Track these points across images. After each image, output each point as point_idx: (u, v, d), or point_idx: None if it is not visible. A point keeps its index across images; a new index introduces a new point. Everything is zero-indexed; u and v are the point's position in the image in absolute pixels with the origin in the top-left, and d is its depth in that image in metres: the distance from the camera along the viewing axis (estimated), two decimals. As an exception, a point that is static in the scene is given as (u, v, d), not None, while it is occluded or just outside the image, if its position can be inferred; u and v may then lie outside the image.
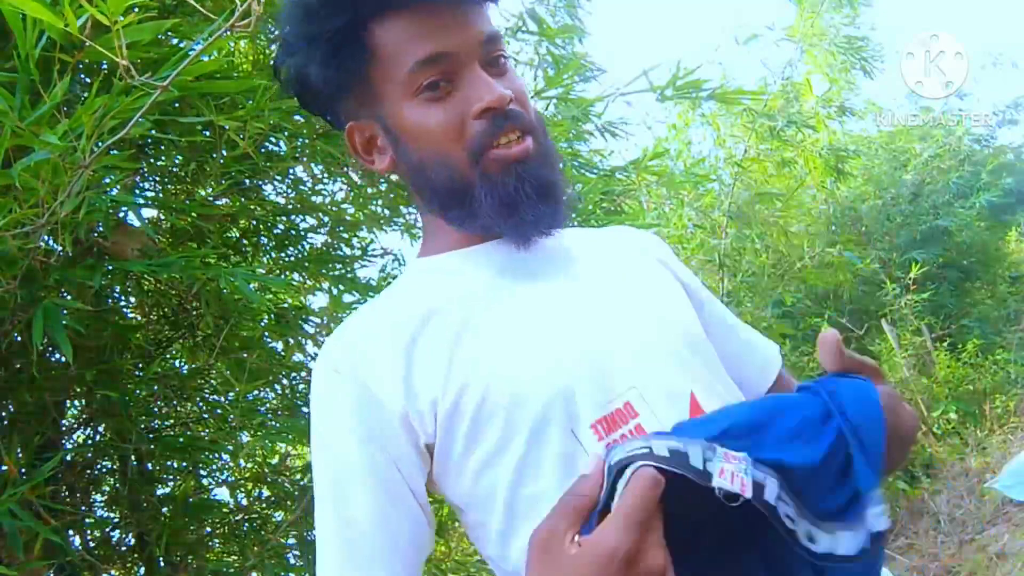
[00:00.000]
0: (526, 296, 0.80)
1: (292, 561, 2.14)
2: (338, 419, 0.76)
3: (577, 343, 0.76)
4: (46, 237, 1.44)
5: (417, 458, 0.76)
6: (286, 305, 2.29)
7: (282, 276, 2.19)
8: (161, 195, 2.06)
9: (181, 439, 2.08)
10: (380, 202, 2.27)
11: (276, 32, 0.83)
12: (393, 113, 0.79)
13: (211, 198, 2.00)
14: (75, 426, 2.07)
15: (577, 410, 0.73)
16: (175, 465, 2.20)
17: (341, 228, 2.24)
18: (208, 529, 2.19)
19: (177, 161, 1.94)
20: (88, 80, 1.49)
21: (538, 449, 0.73)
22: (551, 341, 0.76)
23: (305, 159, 2.01)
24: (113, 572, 2.05)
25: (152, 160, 1.94)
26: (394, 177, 2.12)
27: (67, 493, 1.91)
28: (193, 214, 1.87)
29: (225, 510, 2.24)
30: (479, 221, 0.80)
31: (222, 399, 2.22)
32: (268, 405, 2.27)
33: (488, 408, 0.73)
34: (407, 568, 0.74)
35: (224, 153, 1.72)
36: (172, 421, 2.20)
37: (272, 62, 0.86)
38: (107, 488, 2.11)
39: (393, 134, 0.81)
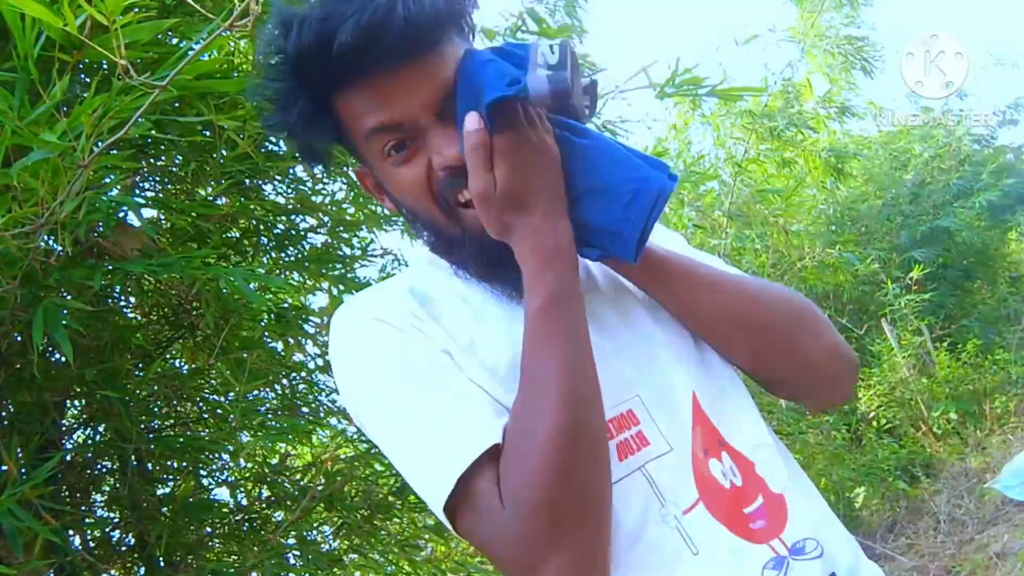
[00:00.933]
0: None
1: (292, 561, 2.14)
2: (396, 340, 0.76)
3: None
4: (46, 237, 1.44)
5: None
6: (286, 305, 2.29)
7: (282, 276, 2.18)
8: (161, 195, 2.06)
9: (181, 439, 2.08)
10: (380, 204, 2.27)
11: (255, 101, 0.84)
12: (377, 173, 0.81)
13: (211, 198, 2.00)
14: (75, 426, 2.07)
15: None
16: (175, 465, 2.20)
17: (341, 228, 2.24)
18: (208, 529, 2.19)
19: (177, 161, 1.94)
20: (87, 80, 1.49)
21: None
22: None
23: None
24: (113, 572, 2.05)
25: (152, 160, 1.94)
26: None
27: (67, 493, 1.91)
28: (193, 214, 1.87)
29: (225, 510, 2.24)
30: (472, 272, 0.82)
31: (222, 399, 2.22)
32: (268, 405, 2.28)
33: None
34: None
35: (224, 153, 1.72)
36: (172, 421, 2.20)
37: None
38: (107, 488, 2.11)
39: (382, 186, 0.82)
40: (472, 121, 0.72)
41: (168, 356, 2.18)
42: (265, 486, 2.32)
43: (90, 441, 2.06)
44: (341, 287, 2.16)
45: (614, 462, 0.72)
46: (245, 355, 1.98)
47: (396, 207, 0.84)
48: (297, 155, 0.85)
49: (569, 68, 0.71)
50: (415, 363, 0.75)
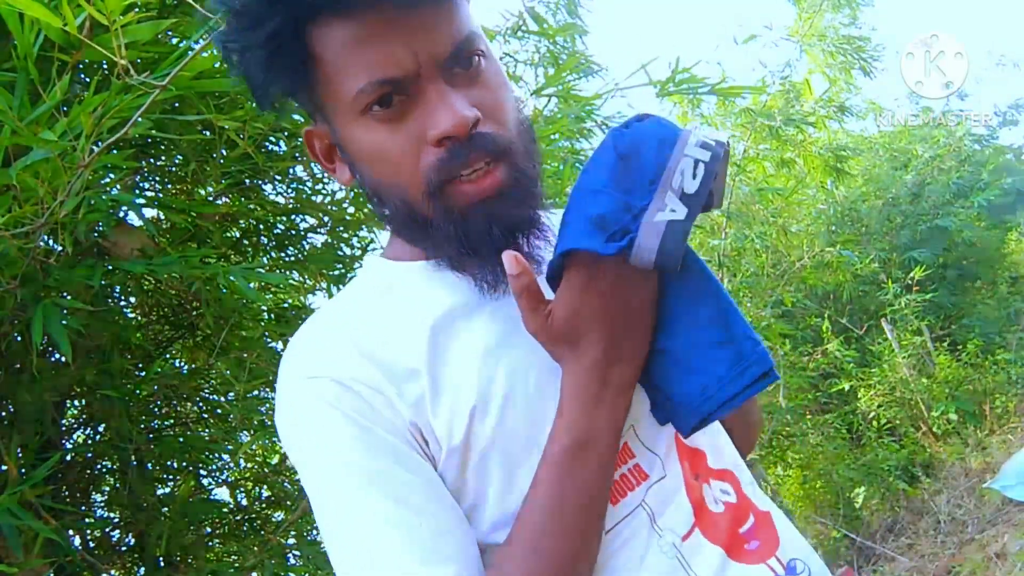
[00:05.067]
0: (517, 332, 0.70)
1: (292, 561, 2.13)
2: (352, 417, 0.65)
3: None
4: (46, 237, 1.44)
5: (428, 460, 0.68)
6: (286, 305, 2.29)
7: (281, 275, 2.18)
8: (161, 195, 2.06)
9: (181, 439, 2.08)
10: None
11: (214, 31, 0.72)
12: (343, 130, 0.68)
13: (211, 198, 2.00)
14: (75, 426, 2.07)
15: None
16: (175, 465, 2.20)
17: (341, 228, 2.24)
18: (208, 529, 2.19)
19: (177, 161, 1.94)
20: (87, 79, 1.49)
21: None
22: (551, 389, 0.69)
23: (305, 159, 2.01)
24: (113, 572, 2.05)
25: (152, 160, 1.94)
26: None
27: (67, 493, 1.91)
28: (193, 214, 1.87)
29: (225, 510, 2.24)
30: (443, 259, 0.71)
31: (222, 399, 2.22)
32: (268, 405, 2.27)
33: (491, 460, 0.67)
34: (470, 538, 0.66)
35: (224, 153, 1.72)
36: (172, 421, 2.20)
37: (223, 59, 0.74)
38: (107, 488, 2.11)
39: (346, 152, 0.70)
40: (511, 265, 0.64)
41: (168, 356, 2.18)
42: (265, 486, 2.31)
43: (90, 441, 2.05)
44: (341, 287, 2.15)
45: (609, 510, 0.68)
46: (245, 355, 1.98)
47: (354, 177, 0.72)
48: (252, 89, 0.70)
49: (700, 203, 0.61)
50: (365, 452, 0.64)
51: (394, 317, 0.71)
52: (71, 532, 1.86)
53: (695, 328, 0.66)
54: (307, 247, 2.25)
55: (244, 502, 2.30)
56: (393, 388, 0.66)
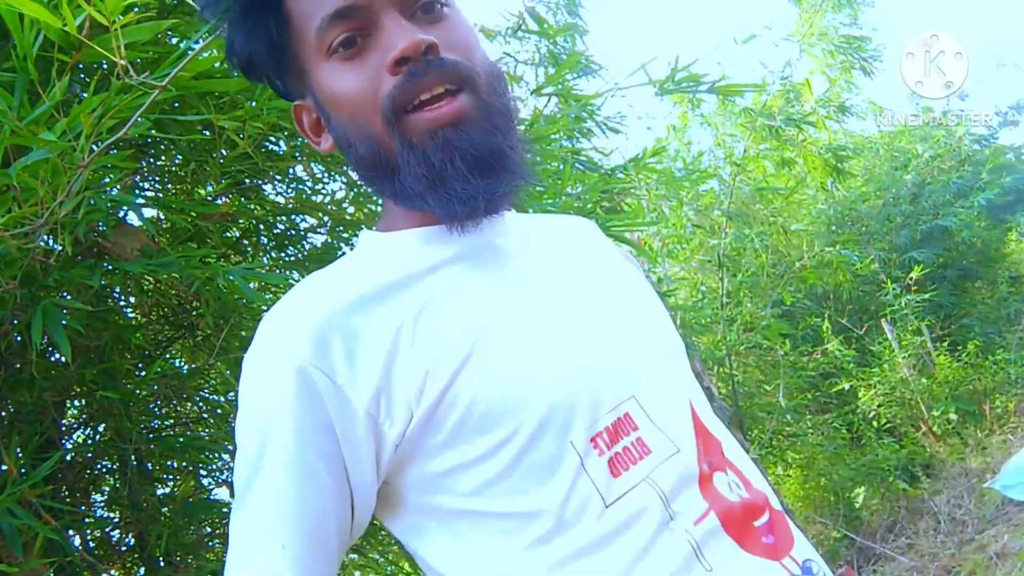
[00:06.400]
0: (512, 290, 0.71)
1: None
2: (293, 409, 0.64)
3: (573, 349, 0.69)
4: (46, 237, 1.44)
5: (372, 459, 0.66)
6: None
7: (281, 275, 2.19)
8: (161, 195, 2.06)
9: (181, 439, 2.08)
10: (380, 201, 2.27)
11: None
12: (317, 86, 0.71)
13: (211, 198, 2.00)
14: (75, 426, 2.07)
15: (575, 423, 0.65)
16: (175, 465, 2.20)
17: (341, 228, 2.24)
18: (208, 529, 2.19)
19: (177, 161, 1.94)
20: (87, 79, 1.49)
21: (524, 461, 0.65)
22: (547, 346, 0.68)
23: (305, 159, 2.01)
24: (113, 572, 2.05)
25: (152, 160, 1.94)
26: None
27: (67, 493, 1.91)
28: (193, 214, 1.87)
29: (225, 510, 2.24)
30: (409, 200, 0.69)
31: (222, 399, 2.22)
32: (268, 405, 2.27)
33: (476, 416, 0.65)
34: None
35: (224, 153, 1.72)
36: (172, 421, 2.20)
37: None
38: (107, 488, 2.11)
39: (321, 106, 0.72)
40: None
41: (168, 356, 2.18)
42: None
43: (90, 441, 2.06)
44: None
45: (607, 479, 0.64)
46: (245, 355, 1.97)
47: (336, 141, 0.74)
48: (230, 55, 0.73)
49: None
50: (293, 440, 0.64)
51: (376, 284, 0.69)
52: (71, 532, 1.86)
53: None
54: (307, 247, 2.25)
55: (244, 502, 2.30)
56: (355, 366, 0.64)
